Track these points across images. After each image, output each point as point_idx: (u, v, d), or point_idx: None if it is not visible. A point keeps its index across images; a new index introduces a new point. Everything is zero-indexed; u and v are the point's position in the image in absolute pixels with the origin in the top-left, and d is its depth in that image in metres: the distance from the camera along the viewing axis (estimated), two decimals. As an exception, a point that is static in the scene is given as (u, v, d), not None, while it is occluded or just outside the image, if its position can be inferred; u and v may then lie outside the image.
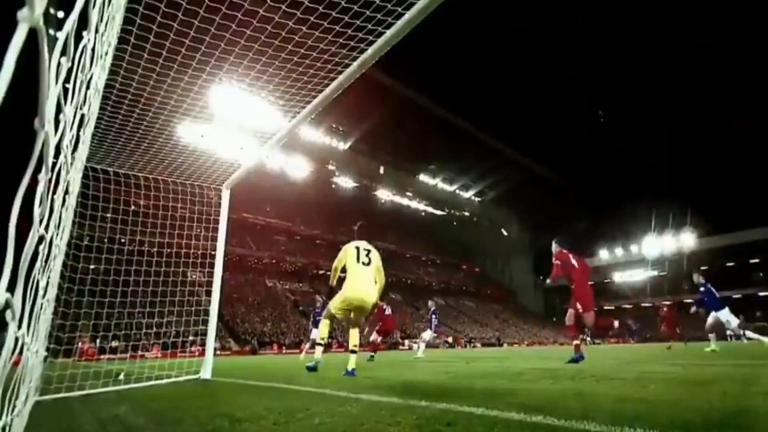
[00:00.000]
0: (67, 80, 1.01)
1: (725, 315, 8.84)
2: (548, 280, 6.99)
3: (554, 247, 7.01)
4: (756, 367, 4.47)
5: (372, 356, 10.39)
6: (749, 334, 8.95)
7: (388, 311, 11.19)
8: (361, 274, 4.91)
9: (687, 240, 56.45)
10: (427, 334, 12.42)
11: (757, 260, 51.05)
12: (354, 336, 5.02)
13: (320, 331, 5.25)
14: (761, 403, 2.14)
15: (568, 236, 7.02)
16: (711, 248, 54.38)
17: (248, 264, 42.26)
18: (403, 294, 50.58)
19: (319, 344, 5.12)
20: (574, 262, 6.77)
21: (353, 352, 4.95)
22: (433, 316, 12.26)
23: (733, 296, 49.95)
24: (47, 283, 1.70)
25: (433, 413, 2.10)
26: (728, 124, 46.58)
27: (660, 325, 15.15)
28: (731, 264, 52.81)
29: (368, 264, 4.97)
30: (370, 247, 5.17)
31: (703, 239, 55.33)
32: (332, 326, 5.32)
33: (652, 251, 59.07)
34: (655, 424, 1.67)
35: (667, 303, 13.91)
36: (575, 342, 6.51)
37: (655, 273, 58.98)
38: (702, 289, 9.42)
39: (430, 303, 12.93)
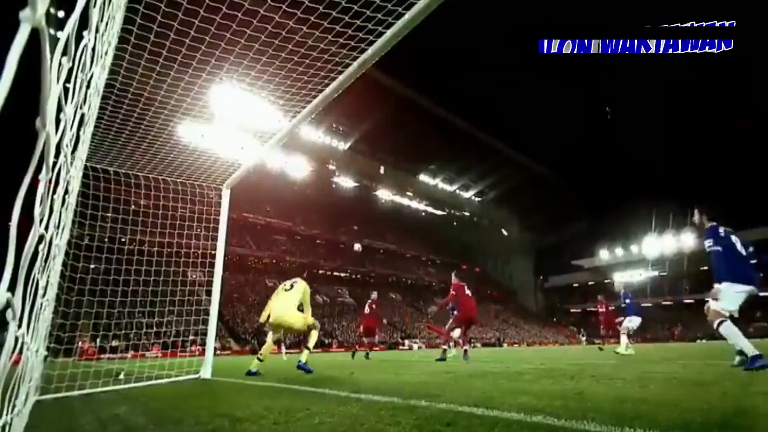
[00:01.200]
0: (67, 80, 1.01)
1: (636, 320, 10.57)
2: (433, 308, 8.68)
3: (453, 279, 8.23)
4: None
5: (366, 354, 11.06)
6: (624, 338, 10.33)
7: (366, 310, 11.42)
8: (280, 299, 5.53)
9: (687, 240, 56.34)
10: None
11: (756, 261, 50.93)
12: (310, 336, 5.61)
13: (264, 347, 5.91)
14: (761, 403, 2.14)
15: (463, 272, 9.15)
16: (711, 248, 54.21)
17: (248, 264, 42.26)
18: (403, 294, 50.60)
19: (258, 358, 5.60)
20: (468, 292, 8.18)
21: (307, 348, 5.58)
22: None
23: (733, 296, 49.85)
24: (47, 282, 1.70)
25: (433, 413, 2.10)
26: (729, 124, 46.57)
27: (600, 325, 14.35)
28: (731, 264, 52.64)
29: (289, 289, 5.65)
30: (297, 280, 5.86)
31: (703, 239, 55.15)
32: (274, 347, 6.20)
33: (652, 251, 58.99)
34: (655, 424, 1.67)
35: (604, 301, 13.78)
36: (445, 347, 8.68)
37: (656, 273, 58.92)
38: (625, 298, 10.92)
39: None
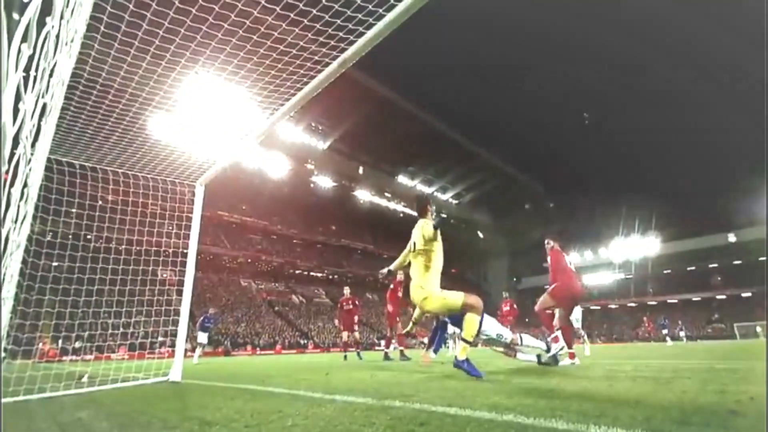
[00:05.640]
0: (28, 68, 0.96)
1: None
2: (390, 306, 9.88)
3: (400, 277, 9.60)
4: (714, 367, 4.72)
5: (358, 353, 10.87)
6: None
7: (348, 306, 10.60)
8: (411, 268, 4.12)
9: (652, 244, 58.97)
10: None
11: (715, 264, 53.69)
12: (464, 321, 3.99)
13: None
14: (717, 400, 2.25)
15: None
16: (673, 253, 56.97)
17: (222, 263, 41.34)
18: (380, 295, 50.64)
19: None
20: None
21: (463, 340, 4.02)
22: None
23: (693, 299, 52.44)
24: (3, 279, 1.62)
25: (406, 413, 2.11)
26: (691, 136, 49.01)
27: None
28: (692, 268, 55.43)
29: (414, 251, 4.09)
30: (419, 223, 4.17)
31: (666, 244, 57.91)
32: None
33: (619, 254, 61.52)
34: (618, 421, 1.73)
35: (510, 299, 13.13)
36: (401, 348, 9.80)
37: (622, 276, 61.51)
38: None
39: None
